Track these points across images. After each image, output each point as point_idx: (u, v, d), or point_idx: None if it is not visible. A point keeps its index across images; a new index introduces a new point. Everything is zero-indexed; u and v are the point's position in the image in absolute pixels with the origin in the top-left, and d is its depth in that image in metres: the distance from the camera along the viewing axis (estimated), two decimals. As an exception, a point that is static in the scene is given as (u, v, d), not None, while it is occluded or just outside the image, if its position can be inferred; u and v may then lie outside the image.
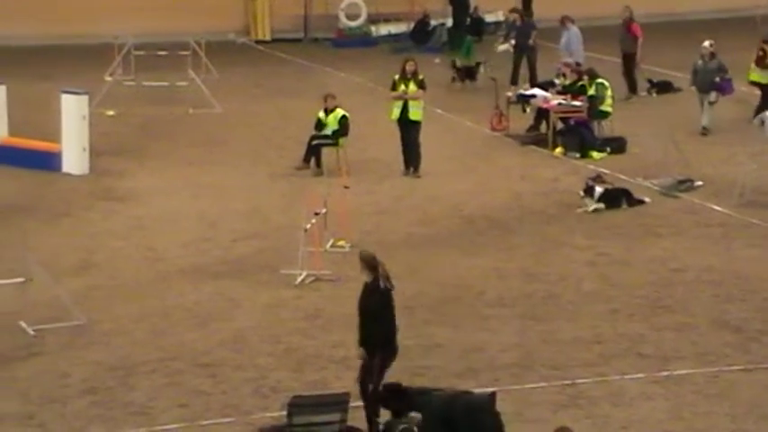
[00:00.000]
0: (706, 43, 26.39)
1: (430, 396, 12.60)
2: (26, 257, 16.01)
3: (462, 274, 17.82)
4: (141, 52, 29.97)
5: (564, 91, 25.95)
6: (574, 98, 25.33)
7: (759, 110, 25.32)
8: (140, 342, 15.39)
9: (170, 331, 15.73)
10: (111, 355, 14.91)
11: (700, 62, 26.16)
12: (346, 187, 19.17)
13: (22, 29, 36.39)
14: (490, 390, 13.06)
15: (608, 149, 24.65)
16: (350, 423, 12.65)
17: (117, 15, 35.47)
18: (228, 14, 38.85)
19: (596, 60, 29.92)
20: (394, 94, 23.04)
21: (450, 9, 39.02)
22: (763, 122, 23.41)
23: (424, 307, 16.49)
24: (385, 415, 12.76)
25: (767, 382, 14.21)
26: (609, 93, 25.72)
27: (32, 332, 15.44)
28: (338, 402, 12.64)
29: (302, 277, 17.37)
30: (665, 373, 14.36)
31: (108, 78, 29.64)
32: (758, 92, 26.81)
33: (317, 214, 17.85)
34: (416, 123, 22.97)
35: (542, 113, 25.86)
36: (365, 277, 12.99)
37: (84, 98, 23.64)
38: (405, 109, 22.88)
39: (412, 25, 39.40)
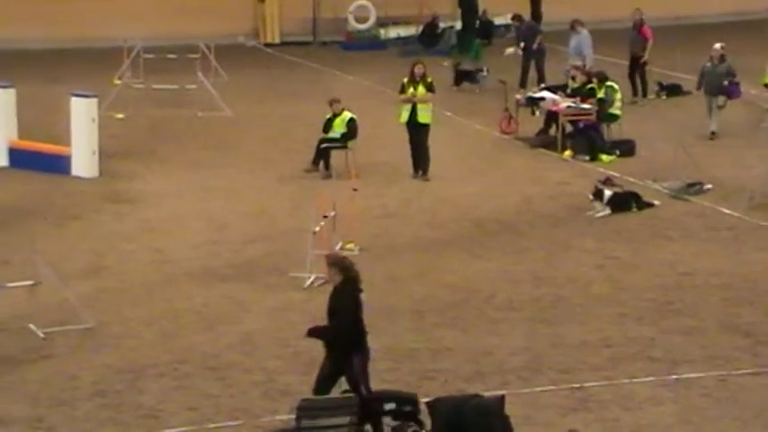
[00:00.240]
0: (717, 45, 26.30)
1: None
2: (35, 260, 16.03)
3: (471, 277, 17.82)
4: (151, 55, 30.02)
5: (573, 94, 25.96)
6: (583, 101, 25.32)
7: None
8: (149, 345, 15.40)
9: (179, 334, 15.74)
10: (121, 358, 14.92)
11: (708, 65, 26.07)
12: (355, 190, 19.16)
13: (32, 32, 36.48)
14: (499, 393, 13.05)
15: (617, 152, 24.63)
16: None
17: (127, 19, 35.53)
18: (238, 18, 38.92)
19: (606, 63, 29.90)
20: (403, 97, 23.05)
21: (458, 12, 39.05)
22: None
23: (433, 310, 16.48)
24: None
25: (777, 386, 14.20)
26: (618, 96, 25.72)
27: (42, 335, 15.46)
28: (347, 406, 12.62)
29: (311, 280, 17.37)
30: (674, 377, 14.33)
31: (117, 81, 29.69)
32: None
33: (325, 217, 17.85)
34: (425, 126, 22.97)
35: (552, 117, 25.85)
36: (335, 280, 12.76)
37: (94, 101, 23.68)
38: (413, 112, 22.88)
39: (421, 28, 39.43)
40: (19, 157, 23.77)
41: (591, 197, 20.84)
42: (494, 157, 24.98)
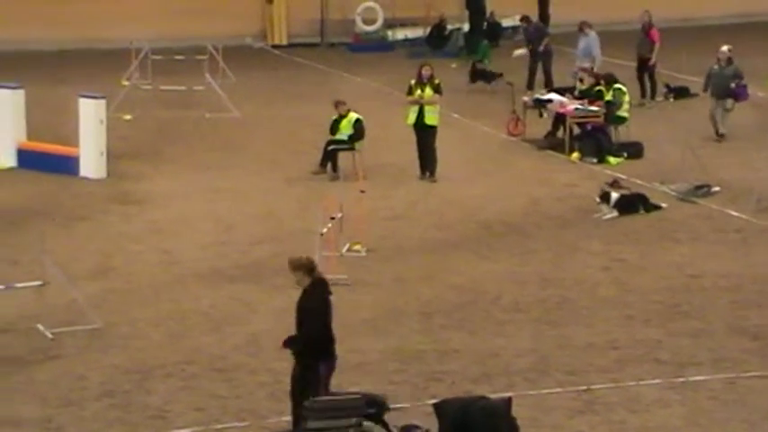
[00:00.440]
0: (724, 48, 26.25)
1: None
2: (44, 261, 16.06)
3: (478, 278, 17.82)
4: (158, 57, 30.06)
5: (581, 96, 25.96)
6: (591, 103, 25.32)
7: None
8: (157, 345, 15.42)
9: (186, 335, 15.76)
10: (128, 359, 14.94)
11: (716, 67, 26.03)
12: (362, 191, 19.17)
13: (40, 33, 36.53)
14: (506, 395, 13.05)
15: (625, 154, 24.62)
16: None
17: (134, 20, 35.58)
18: (245, 19, 38.93)
19: (614, 65, 29.89)
20: (410, 98, 23.05)
21: (466, 14, 39.04)
22: None
23: (440, 312, 16.49)
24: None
25: (784, 389, 14.19)
26: (626, 98, 25.71)
27: (50, 335, 15.49)
28: (354, 407, 12.64)
29: (318, 282, 17.35)
30: (682, 380, 14.32)
31: (125, 83, 29.72)
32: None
33: (332, 218, 17.86)
34: (433, 128, 22.98)
35: (560, 119, 25.84)
36: (304, 282, 12.54)
37: (102, 102, 23.71)
38: (421, 114, 22.89)
39: (428, 30, 39.43)
40: (27, 158, 23.81)
41: (598, 200, 20.83)
42: (501, 158, 24.99)
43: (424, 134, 23.03)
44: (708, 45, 29.41)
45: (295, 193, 22.35)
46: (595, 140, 24.73)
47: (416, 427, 12.68)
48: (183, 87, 29.20)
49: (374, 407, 12.70)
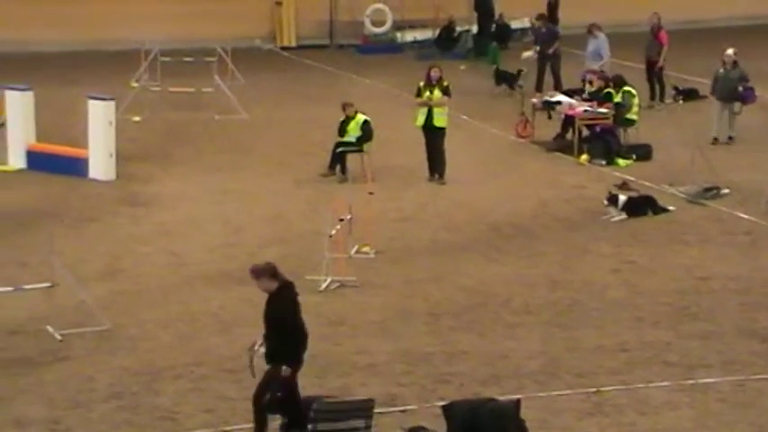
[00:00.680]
0: (729, 51, 26.21)
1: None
2: (53, 262, 16.07)
3: (487, 280, 17.81)
4: (167, 58, 30.08)
5: (590, 98, 25.95)
6: (600, 105, 25.30)
7: None
8: (166, 347, 15.43)
9: (195, 336, 15.77)
10: (137, 360, 14.95)
11: (721, 70, 25.98)
12: (371, 193, 19.18)
13: (49, 35, 36.59)
14: (515, 397, 13.04)
15: (634, 156, 24.61)
16: (374, 430, 12.64)
17: (144, 22, 35.61)
18: (254, 21, 38.95)
19: (622, 67, 29.87)
20: (419, 100, 23.05)
21: (475, 16, 39.03)
22: None
23: (449, 314, 16.48)
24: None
25: (794, 391, 14.16)
26: (636, 101, 25.70)
27: (59, 337, 15.51)
28: (362, 409, 12.64)
29: (327, 283, 17.39)
30: (691, 382, 14.30)
31: (134, 84, 29.75)
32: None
33: (341, 220, 17.86)
34: (441, 130, 22.98)
35: (569, 121, 25.82)
36: (270, 288, 12.50)
37: (111, 104, 23.73)
38: (429, 115, 22.89)
39: (437, 32, 39.42)
40: (37, 160, 23.85)
41: (606, 203, 20.81)
42: (510, 160, 24.98)
43: (433, 136, 23.03)
44: (716, 47, 29.33)
45: (304, 194, 22.36)
46: (604, 142, 24.72)
47: (424, 428, 12.67)
48: (191, 89, 29.22)
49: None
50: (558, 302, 16.93)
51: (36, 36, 36.46)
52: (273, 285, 12.49)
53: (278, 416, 12.74)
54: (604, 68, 28.87)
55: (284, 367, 12.39)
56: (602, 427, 13.20)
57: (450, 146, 23.23)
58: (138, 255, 19.02)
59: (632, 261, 18.64)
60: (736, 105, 25.85)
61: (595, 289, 17.46)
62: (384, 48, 38.99)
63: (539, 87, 30.53)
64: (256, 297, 17.01)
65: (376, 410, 12.85)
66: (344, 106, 23.70)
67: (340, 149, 23.34)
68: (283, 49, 39.38)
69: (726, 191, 22.05)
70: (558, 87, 30.05)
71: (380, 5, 39.40)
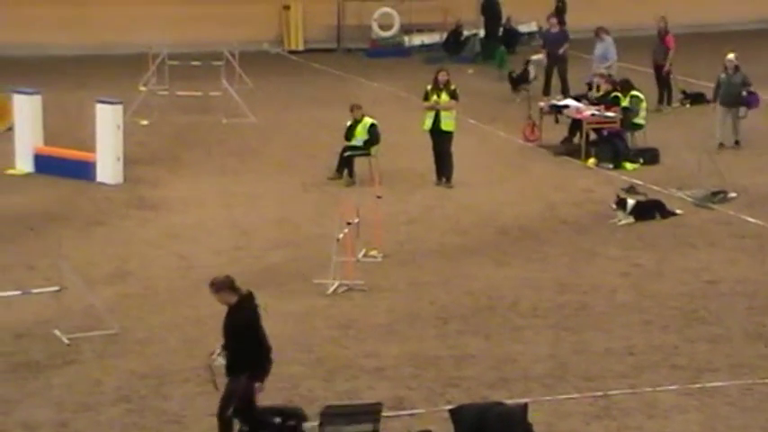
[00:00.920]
0: (731, 56, 26.17)
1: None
2: (61, 266, 16.08)
3: (495, 284, 17.81)
4: (175, 62, 30.09)
5: (597, 102, 25.94)
6: (607, 109, 25.29)
7: None
8: (174, 350, 15.43)
9: (203, 340, 15.72)
10: (145, 364, 14.95)
11: (723, 75, 25.90)
12: (379, 197, 19.18)
13: (58, 38, 36.67)
14: (522, 401, 13.03)
15: (641, 160, 24.60)
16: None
17: (152, 26, 35.64)
18: (262, 25, 39.00)
19: (630, 71, 29.86)
20: (426, 104, 23.06)
21: (482, 19, 39.03)
22: None
23: (457, 317, 16.48)
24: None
25: (802, 395, 14.13)
26: (644, 105, 25.69)
27: (67, 340, 15.52)
28: (370, 412, 12.64)
29: (334, 287, 17.39)
30: (699, 385, 14.28)
31: (142, 88, 29.78)
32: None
33: (349, 224, 17.86)
34: (449, 134, 22.98)
35: (576, 124, 25.82)
36: (231, 301, 12.43)
37: (119, 108, 23.75)
38: (437, 119, 22.90)
39: (445, 35, 39.45)
40: (44, 163, 23.87)
41: (613, 206, 20.79)
42: (517, 164, 24.98)
43: (441, 140, 23.03)
44: (723, 51, 29.30)
45: (311, 198, 22.37)
46: (612, 146, 24.71)
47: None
48: (199, 93, 29.26)
49: (293, 419, 12.65)
50: (565, 306, 16.92)
51: (45, 40, 36.54)
52: (233, 298, 12.44)
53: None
54: (611, 70, 28.90)
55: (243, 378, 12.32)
56: (609, 430, 13.19)
57: (457, 149, 23.24)
58: (145, 258, 19.04)
59: (640, 264, 18.63)
60: (742, 110, 25.81)
61: (603, 292, 17.44)
62: (392, 51, 39.03)
63: (546, 91, 30.55)
64: (263, 301, 17.05)
65: (384, 414, 12.85)
66: (352, 108, 23.72)
67: (347, 153, 23.35)
68: (291, 52, 39.43)
69: (733, 194, 22.03)
70: (565, 91, 30.07)
71: (388, 9, 39.44)
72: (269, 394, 14.07)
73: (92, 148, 23.56)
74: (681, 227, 20.55)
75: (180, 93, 29.23)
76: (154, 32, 34.05)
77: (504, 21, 39.04)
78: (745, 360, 15.02)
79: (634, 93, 25.67)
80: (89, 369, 14.81)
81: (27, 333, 15.88)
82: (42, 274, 17.65)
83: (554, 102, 27.37)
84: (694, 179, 22.38)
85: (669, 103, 30.01)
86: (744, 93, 25.71)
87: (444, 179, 23.13)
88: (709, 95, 28.86)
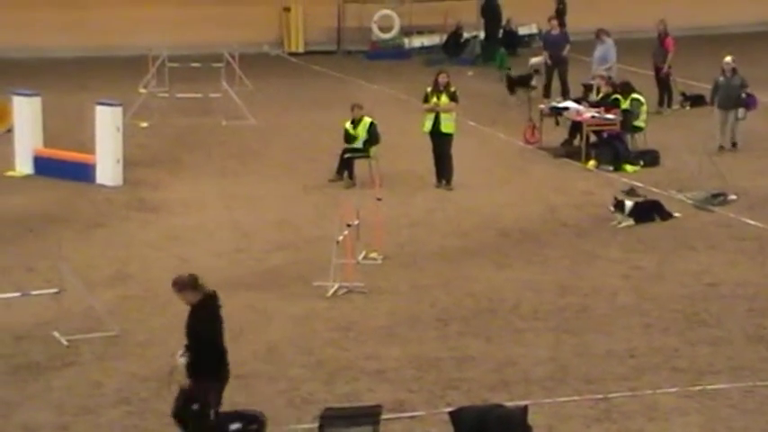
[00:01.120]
0: (728, 59, 26.17)
1: None
2: (60, 268, 16.07)
3: (496, 286, 17.79)
4: (175, 64, 30.12)
5: (597, 104, 25.95)
6: (607, 111, 25.29)
7: None
8: (174, 353, 15.35)
9: (203, 342, 15.72)
10: (145, 366, 14.93)
11: (722, 78, 25.89)
12: (379, 199, 19.17)
13: (58, 41, 36.69)
14: (523, 403, 13.01)
15: (641, 162, 24.60)
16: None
17: (152, 28, 35.68)
18: (262, 27, 39.03)
19: (630, 73, 29.86)
20: (426, 106, 23.05)
21: (482, 22, 39.05)
22: None
23: (458, 319, 16.46)
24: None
25: (803, 398, 14.12)
26: (644, 108, 25.70)
27: (66, 342, 15.50)
28: (371, 415, 12.62)
29: (334, 289, 17.38)
30: (700, 388, 14.26)
31: (142, 90, 29.77)
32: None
33: (349, 226, 17.85)
34: (448, 136, 22.97)
35: (576, 127, 25.82)
36: (193, 300, 12.30)
37: (119, 110, 23.75)
38: (437, 121, 22.89)
39: (445, 37, 39.47)
40: (44, 165, 23.87)
41: (612, 209, 20.78)
42: (518, 166, 24.97)
43: (440, 142, 23.02)
44: (723, 53, 29.32)
45: (312, 200, 22.37)
46: (612, 148, 24.71)
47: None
48: (199, 95, 29.26)
49: (254, 424, 12.60)
50: (566, 308, 16.91)
51: (45, 42, 36.57)
52: (196, 297, 12.29)
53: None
54: (611, 72, 28.92)
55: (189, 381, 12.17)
56: (610, 433, 13.19)
57: (457, 152, 23.23)
58: (146, 260, 19.02)
59: (641, 267, 18.62)
60: (741, 111, 25.81)
61: (604, 295, 17.43)
62: (392, 53, 39.06)
63: (546, 93, 30.55)
64: (264, 303, 17.11)
65: (384, 416, 12.82)
66: (353, 107, 23.71)
67: (347, 155, 23.34)
68: (291, 54, 39.45)
69: (733, 197, 22.03)
70: (565, 93, 30.09)
71: (388, 11, 39.46)
72: (265, 397, 14.09)
73: (92, 150, 23.56)
74: (681, 229, 20.54)
75: (180, 95, 29.24)
76: (154, 34, 34.10)
77: (504, 23, 39.05)
78: (745, 362, 15.00)
79: (635, 96, 25.68)
80: (89, 371, 14.79)
81: (27, 335, 15.86)
82: (42, 275, 17.64)
83: (554, 104, 27.37)
84: (694, 181, 22.38)
85: (669, 105, 30.03)
86: (743, 95, 25.71)
87: (444, 181, 23.12)
88: (709, 98, 28.95)
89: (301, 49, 39.76)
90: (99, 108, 23.63)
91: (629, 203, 20.77)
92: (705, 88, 29.99)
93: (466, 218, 21.27)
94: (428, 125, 23.01)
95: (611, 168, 24.36)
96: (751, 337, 15.85)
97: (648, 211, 20.88)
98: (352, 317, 16.61)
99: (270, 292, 17.59)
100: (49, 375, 14.65)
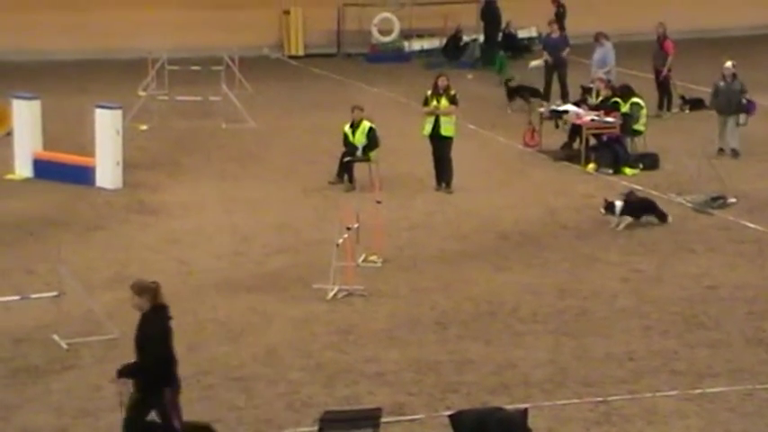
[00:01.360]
0: (728, 63, 26.13)
1: None
2: (60, 271, 16.07)
3: (495, 289, 17.80)
4: (175, 67, 30.11)
5: (597, 107, 25.95)
6: (607, 114, 25.30)
7: None
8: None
9: (203, 345, 15.75)
10: (144, 369, 14.91)
11: (722, 83, 25.85)
12: (378, 202, 19.17)
13: (58, 43, 36.69)
14: (522, 406, 13.01)
15: (641, 166, 24.60)
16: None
17: (152, 30, 35.68)
18: (262, 30, 39.02)
19: (629, 76, 29.86)
20: (426, 109, 23.05)
21: (481, 25, 39.05)
22: None
23: (457, 322, 16.47)
24: None
25: (802, 401, 14.12)
26: (644, 112, 25.70)
27: (66, 345, 15.50)
28: (370, 418, 12.62)
29: (334, 292, 17.38)
30: (699, 391, 14.27)
31: (142, 93, 29.77)
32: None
33: (349, 229, 17.86)
34: (448, 139, 22.98)
35: (576, 130, 25.83)
36: (145, 307, 12.24)
37: (118, 113, 23.74)
38: (437, 124, 22.90)
39: (444, 41, 39.47)
40: (43, 168, 23.86)
41: (603, 211, 20.77)
42: (517, 169, 24.98)
43: (440, 145, 23.03)
44: (723, 57, 29.37)
45: (312, 203, 22.37)
46: (612, 151, 24.72)
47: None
48: (199, 98, 29.26)
49: None
50: (566, 311, 16.91)
51: (45, 44, 36.57)
52: (148, 306, 12.19)
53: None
54: (610, 75, 28.92)
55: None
56: (609, 436, 13.19)
57: (457, 155, 23.23)
58: (145, 263, 19.02)
59: (640, 270, 18.62)
60: (742, 117, 25.79)
61: (603, 297, 17.44)
62: (391, 56, 39.05)
63: (546, 96, 30.54)
64: (264, 306, 17.11)
65: (383, 420, 12.83)
66: (354, 108, 23.70)
67: (347, 159, 23.34)
68: (291, 57, 39.44)
69: (732, 200, 22.04)
70: (564, 96, 30.10)
71: (388, 14, 39.46)
72: (265, 400, 14.09)
73: (91, 153, 23.55)
74: (680, 232, 20.55)
75: (180, 98, 29.24)
76: (154, 37, 34.11)
77: (503, 26, 39.06)
78: (745, 365, 15.01)
79: (635, 99, 25.68)
80: (89, 374, 14.79)
81: (26, 338, 15.86)
82: (42, 278, 17.64)
83: (554, 107, 27.37)
84: (694, 184, 22.39)
85: (669, 108, 30.04)
86: (743, 100, 25.69)
87: (444, 184, 23.13)
88: (708, 101, 28.95)
89: (301, 52, 39.75)
90: (99, 111, 23.64)
91: (618, 203, 20.74)
92: (705, 92, 30.01)
93: (465, 221, 21.28)
94: (428, 128, 23.02)
95: (610, 171, 24.36)
96: (750, 339, 15.86)
97: (642, 209, 20.77)
98: (352, 320, 16.61)
99: (269, 294, 17.60)
100: (49, 378, 14.65)
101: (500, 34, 38.92)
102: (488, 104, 31.15)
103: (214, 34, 36.10)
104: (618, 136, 24.94)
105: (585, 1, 38.75)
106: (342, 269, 17.56)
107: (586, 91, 28.33)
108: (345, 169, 23.32)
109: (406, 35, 39.97)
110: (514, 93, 30.70)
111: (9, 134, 25.15)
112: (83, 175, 23.36)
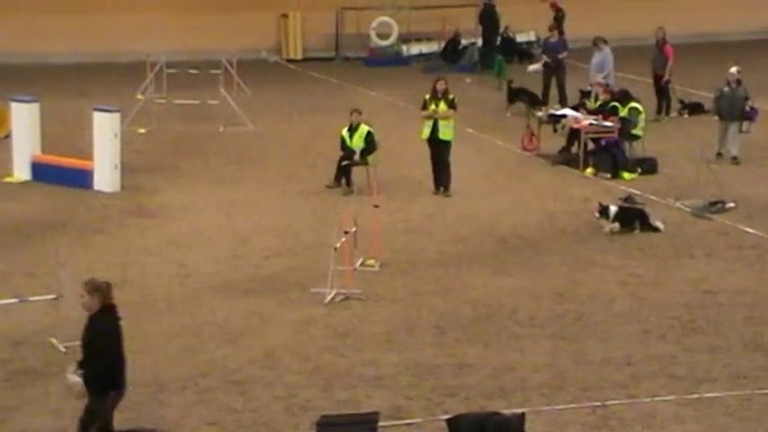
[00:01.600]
0: (733, 69, 26.04)
1: None
2: (58, 274, 16.06)
3: (493, 293, 17.79)
4: (173, 70, 30.12)
5: (595, 111, 25.96)
6: (605, 118, 25.31)
7: None
8: (171, 359, 15.41)
9: (201, 348, 15.75)
10: (142, 372, 14.88)
11: (726, 89, 25.76)
12: (376, 206, 19.17)
13: (56, 47, 36.70)
14: (520, 411, 13.01)
15: (639, 170, 24.60)
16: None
17: (150, 34, 35.69)
18: (260, 33, 39.04)
19: (628, 81, 29.88)
20: (424, 113, 23.06)
21: (480, 29, 39.07)
22: None
23: (455, 326, 16.46)
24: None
25: (800, 406, 14.12)
26: (642, 117, 25.68)
27: (64, 349, 15.48)
28: (368, 422, 12.62)
29: (332, 295, 17.37)
30: (697, 396, 14.26)
31: (140, 96, 29.78)
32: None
33: (347, 233, 17.86)
34: (447, 143, 22.98)
35: (574, 134, 25.84)
36: (94, 308, 12.09)
37: (116, 116, 23.74)
38: (435, 128, 22.90)
39: (443, 45, 39.49)
40: (42, 171, 23.86)
41: (597, 215, 20.78)
42: (516, 173, 24.98)
43: (439, 149, 23.03)
44: (722, 61, 29.43)
45: (310, 206, 22.37)
46: (610, 156, 24.72)
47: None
48: (197, 101, 29.27)
49: None
50: (564, 315, 16.91)
51: (44, 48, 36.58)
52: (97, 306, 12.05)
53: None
54: (608, 80, 28.93)
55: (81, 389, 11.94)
56: (608, 440, 13.18)
57: (455, 158, 23.24)
58: (143, 266, 19.02)
59: (638, 274, 18.62)
60: (745, 124, 25.73)
61: (602, 302, 17.43)
62: (390, 60, 39.08)
63: (544, 100, 30.55)
64: (262, 309, 17.10)
65: (381, 423, 12.83)
66: (352, 112, 23.71)
67: (345, 163, 23.35)
68: (289, 61, 39.46)
69: (731, 205, 22.04)
70: (563, 100, 30.11)
71: (386, 18, 39.48)
72: (262, 403, 14.09)
73: (89, 156, 23.55)
74: (679, 237, 20.55)
75: (178, 101, 29.25)
76: (152, 41, 34.10)
77: (501, 30, 39.08)
78: (743, 370, 15.00)
79: (633, 104, 25.66)
80: (86, 377, 14.76)
81: (25, 341, 15.85)
82: (40, 281, 17.63)
83: (552, 111, 27.37)
84: (692, 189, 22.39)
85: (668, 113, 30.04)
86: (747, 107, 25.62)
87: (442, 188, 23.13)
88: (708, 105, 28.91)
89: (299, 56, 39.77)
90: (97, 114, 23.63)
91: (613, 208, 20.73)
92: (704, 96, 30.06)
93: (464, 225, 21.28)
94: (426, 132, 23.02)
95: (608, 176, 24.37)
96: (748, 344, 15.86)
97: (631, 219, 20.73)
98: (350, 323, 16.61)
99: (267, 297, 17.59)
100: (47, 381, 14.64)
101: (498, 38, 38.93)
102: (487, 108, 31.16)
103: (212, 38, 36.11)
104: (616, 140, 24.95)
105: (584, 6, 38.79)
106: (340, 273, 17.56)
107: (585, 95, 28.35)
108: (343, 173, 23.32)
109: (405, 39, 40.00)
110: (516, 95, 30.71)
111: (7, 137, 25.16)
112: (81, 178, 23.36)
